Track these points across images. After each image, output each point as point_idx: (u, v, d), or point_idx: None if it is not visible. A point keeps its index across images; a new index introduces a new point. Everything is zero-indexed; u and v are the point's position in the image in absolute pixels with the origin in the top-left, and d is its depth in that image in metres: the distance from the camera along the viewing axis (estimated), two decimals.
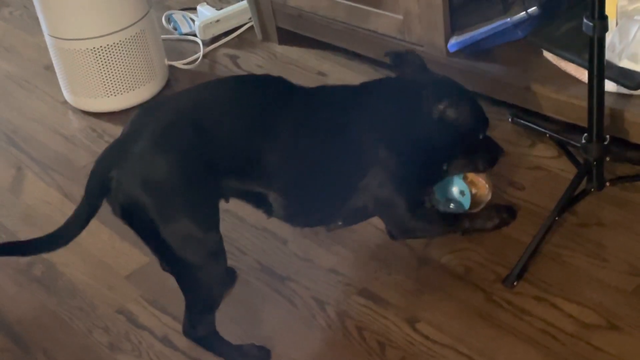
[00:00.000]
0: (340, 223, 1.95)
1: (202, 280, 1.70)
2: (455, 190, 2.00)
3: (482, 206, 2.01)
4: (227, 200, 1.76)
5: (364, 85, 1.92)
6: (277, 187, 1.74)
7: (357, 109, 1.82)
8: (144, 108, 1.73)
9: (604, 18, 1.81)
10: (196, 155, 1.64)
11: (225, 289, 1.81)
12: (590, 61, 1.87)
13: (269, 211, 1.80)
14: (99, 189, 1.63)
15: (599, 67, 1.87)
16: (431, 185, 1.93)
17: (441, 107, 1.82)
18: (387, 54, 1.97)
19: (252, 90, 1.78)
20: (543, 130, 2.28)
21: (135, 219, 1.64)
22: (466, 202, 1.99)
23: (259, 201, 1.78)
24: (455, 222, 1.94)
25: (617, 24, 2.07)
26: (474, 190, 2.00)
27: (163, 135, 1.64)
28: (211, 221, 1.68)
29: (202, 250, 1.67)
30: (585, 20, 1.81)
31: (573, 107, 2.17)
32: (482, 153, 1.96)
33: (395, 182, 1.81)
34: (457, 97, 1.86)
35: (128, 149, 1.63)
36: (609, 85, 2.04)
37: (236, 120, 1.70)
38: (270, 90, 1.79)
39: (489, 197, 2.01)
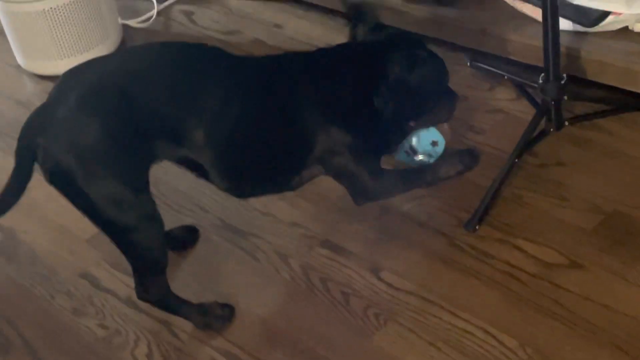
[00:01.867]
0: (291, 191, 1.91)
1: (139, 244, 1.67)
2: (426, 142, 1.87)
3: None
4: (160, 162, 1.72)
5: (309, 55, 1.83)
6: (208, 157, 1.69)
7: (301, 81, 1.74)
8: (69, 71, 1.67)
9: None
10: (122, 118, 1.59)
11: (166, 250, 1.75)
12: None
13: (208, 179, 1.75)
14: (28, 156, 1.59)
15: (553, 5, 1.85)
16: (396, 145, 1.85)
17: (413, 70, 1.74)
18: (348, 6, 1.90)
19: (181, 57, 1.71)
20: (501, 72, 2.27)
21: (64, 184, 1.61)
22: (440, 150, 1.87)
23: (197, 169, 1.73)
24: (418, 177, 1.87)
25: None
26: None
27: (87, 98, 1.59)
28: (141, 184, 1.65)
29: (135, 213, 1.63)
30: None
31: (530, 48, 2.16)
32: (441, 102, 1.89)
33: (354, 154, 1.75)
34: (424, 54, 1.78)
35: (53, 113, 1.59)
36: (565, 24, 2.02)
37: (162, 86, 1.64)
38: (201, 59, 1.72)
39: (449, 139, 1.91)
